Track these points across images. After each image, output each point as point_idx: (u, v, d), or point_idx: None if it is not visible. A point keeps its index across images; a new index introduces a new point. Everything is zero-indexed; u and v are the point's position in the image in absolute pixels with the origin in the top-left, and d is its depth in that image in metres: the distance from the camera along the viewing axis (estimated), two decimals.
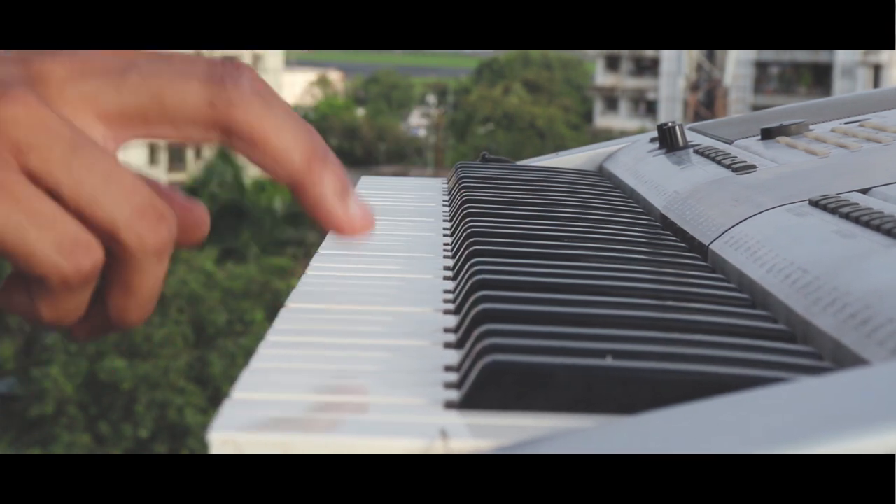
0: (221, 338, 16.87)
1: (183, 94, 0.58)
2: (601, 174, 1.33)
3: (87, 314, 0.59)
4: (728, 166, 1.04)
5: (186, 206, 0.61)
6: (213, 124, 0.58)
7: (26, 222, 0.53)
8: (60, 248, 0.54)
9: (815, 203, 0.83)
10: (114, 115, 0.58)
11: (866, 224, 0.74)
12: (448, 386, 0.56)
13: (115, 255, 0.56)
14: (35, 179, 0.54)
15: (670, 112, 36.32)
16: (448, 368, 0.59)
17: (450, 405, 0.53)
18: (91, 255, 0.55)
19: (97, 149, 0.56)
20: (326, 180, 0.60)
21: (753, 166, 1.02)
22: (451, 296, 0.75)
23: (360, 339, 0.63)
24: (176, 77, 0.58)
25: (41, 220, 0.54)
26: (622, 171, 1.26)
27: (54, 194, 0.55)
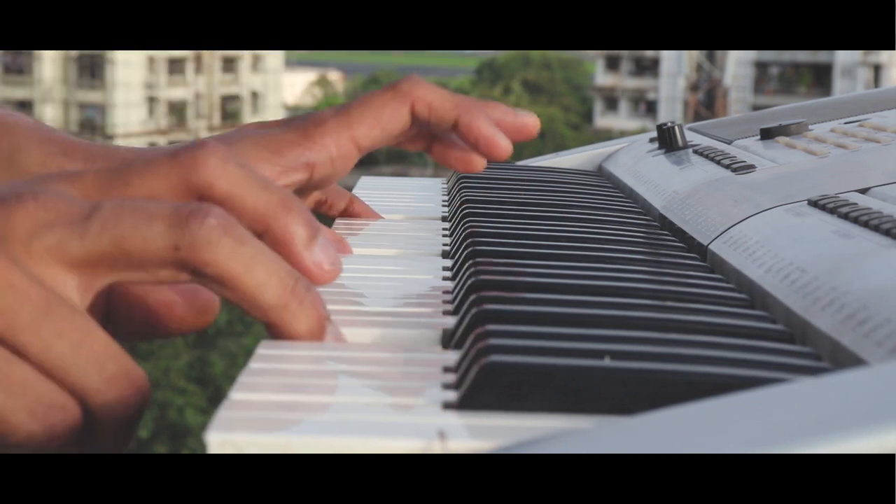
0: (222, 338, 16.87)
1: (145, 239, 0.56)
2: (601, 174, 1.33)
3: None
4: (727, 166, 1.04)
5: (191, 292, 0.60)
6: (180, 266, 0.57)
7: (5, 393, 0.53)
8: (33, 414, 0.54)
9: (814, 203, 0.83)
10: (81, 264, 0.56)
11: (865, 224, 0.74)
12: (446, 386, 0.56)
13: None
14: (2, 342, 0.53)
15: (670, 112, 36.32)
16: (446, 369, 0.59)
17: (448, 406, 0.53)
18: (66, 416, 0.54)
19: (68, 311, 0.55)
20: (301, 319, 0.59)
21: (752, 166, 1.02)
22: (449, 296, 0.75)
23: (359, 339, 0.63)
24: (139, 220, 0.56)
25: (12, 385, 0.53)
26: (621, 171, 1.26)
27: (22, 357, 0.54)
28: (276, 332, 0.60)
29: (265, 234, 0.60)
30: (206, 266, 0.56)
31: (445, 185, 1.26)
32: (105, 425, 0.55)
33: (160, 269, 0.57)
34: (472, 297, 0.67)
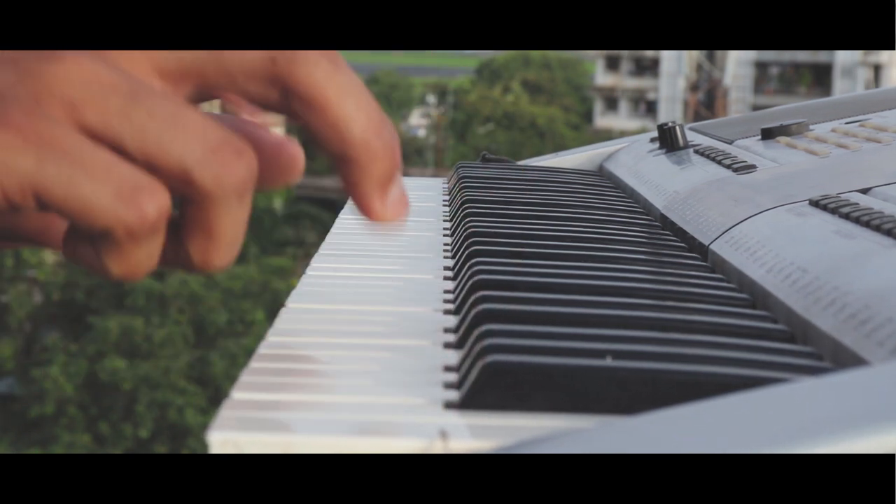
0: (222, 338, 16.88)
1: (242, 56, 0.55)
2: (601, 174, 1.33)
3: (165, 259, 0.55)
4: (728, 166, 1.04)
5: (277, 144, 0.57)
6: (273, 81, 0.55)
7: (79, 175, 0.50)
8: (120, 195, 0.50)
9: (815, 203, 0.83)
10: (172, 71, 0.55)
11: (866, 224, 0.74)
12: (448, 386, 0.56)
13: (193, 199, 0.53)
14: (96, 136, 0.51)
15: (670, 112, 36.32)
16: (448, 368, 0.59)
17: (449, 405, 0.53)
18: (155, 199, 0.51)
19: (157, 94, 0.52)
20: (377, 164, 0.57)
21: (753, 166, 1.02)
22: (451, 296, 0.75)
23: (359, 339, 0.63)
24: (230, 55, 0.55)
25: (94, 170, 0.50)
26: (622, 171, 1.26)
27: (119, 148, 0.51)
28: (346, 169, 0.57)
29: (345, 158, 0.57)
30: (298, 84, 0.55)
31: (446, 185, 1.26)
32: (216, 201, 0.53)
33: (251, 81, 0.55)
34: (472, 297, 0.67)
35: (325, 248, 0.89)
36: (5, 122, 0.50)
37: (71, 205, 0.50)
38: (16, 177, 0.50)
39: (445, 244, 0.93)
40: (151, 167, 0.51)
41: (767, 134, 1.14)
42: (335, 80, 0.55)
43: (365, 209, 0.58)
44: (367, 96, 0.56)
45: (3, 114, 0.51)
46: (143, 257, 0.53)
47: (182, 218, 0.54)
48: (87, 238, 0.53)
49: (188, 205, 0.53)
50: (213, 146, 0.52)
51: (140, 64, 0.54)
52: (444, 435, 0.48)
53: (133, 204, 0.51)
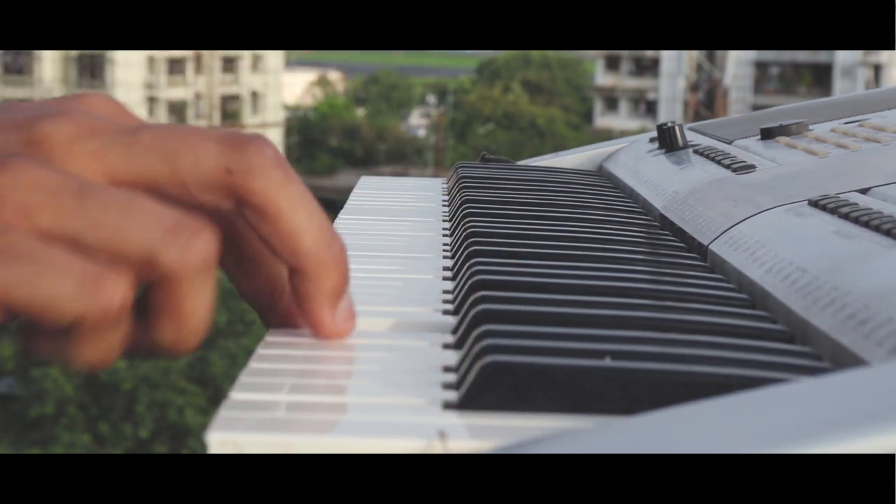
0: (222, 338, 16.87)
1: (198, 156, 0.55)
2: (601, 174, 1.33)
3: (132, 346, 0.56)
4: (727, 166, 1.04)
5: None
6: (228, 192, 0.56)
7: (39, 274, 0.50)
8: (83, 287, 0.51)
9: (814, 203, 0.83)
10: (123, 177, 0.55)
11: (865, 224, 0.74)
12: (447, 386, 0.56)
13: (158, 282, 0.53)
14: (54, 238, 0.52)
15: (670, 112, 36.33)
16: (447, 369, 0.59)
17: (448, 406, 0.53)
18: (119, 287, 0.51)
19: (107, 188, 0.53)
20: (326, 276, 0.58)
21: (753, 166, 1.02)
22: (450, 296, 0.75)
23: (359, 339, 0.63)
24: (194, 139, 0.55)
25: (54, 267, 0.51)
26: (622, 171, 1.26)
27: (79, 244, 0.52)
28: (296, 280, 0.58)
29: (295, 270, 0.58)
30: (253, 195, 0.55)
31: (445, 185, 1.26)
32: (182, 281, 0.53)
33: (205, 191, 0.55)
34: (472, 297, 0.67)
35: None
36: None
37: (35, 304, 0.51)
38: None
39: (445, 244, 0.93)
40: (114, 257, 0.52)
41: (767, 134, 1.14)
42: (287, 191, 0.56)
43: (314, 324, 0.59)
44: (318, 208, 0.57)
45: None
46: (108, 347, 0.53)
47: (148, 304, 0.54)
48: (50, 333, 0.53)
49: (153, 290, 0.54)
50: (170, 227, 0.53)
51: (91, 168, 0.54)
52: (443, 435, 0.48)
53: (96, 294, 0.51)
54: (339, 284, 0.58)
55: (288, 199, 0.56)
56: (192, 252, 0.53)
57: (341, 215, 1.03)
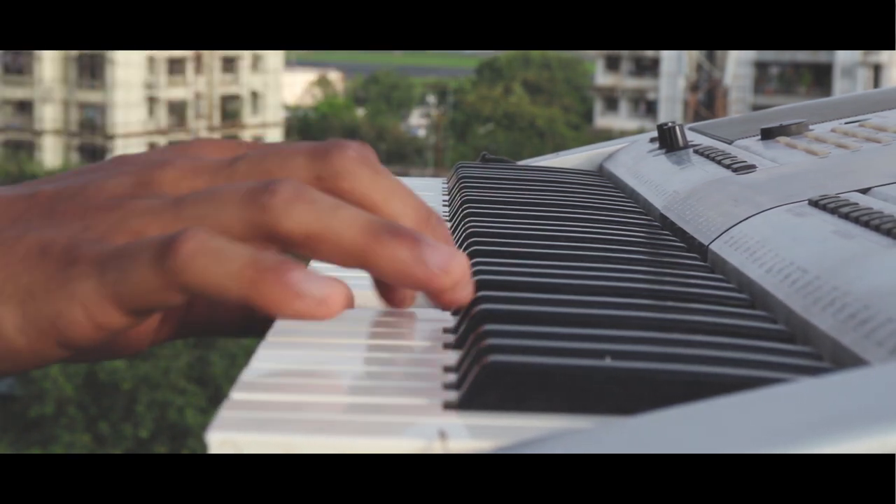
0: (222, 338, 16.86)
1: (290, 173, 0.59)
2: (601, 174, 1.33)
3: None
4: (728, 166, 1.04)
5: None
6: None
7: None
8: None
9: (814, 203, 0.83)
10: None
11: (866, 224, 0.74)
12: (447, 386, 0.56)
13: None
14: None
15: (670, 112, 36.33)
16: (447, 369, 0.59)
17: (449, 406, 0.53)
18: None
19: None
20: (436, 252, 0.61)
21: (753, 166, 1.02)
22: None
23: (359, 339, 0.63)
24: (282, 157, 0.60)
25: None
26: (622, 171, 1.26)
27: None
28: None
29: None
30: (347, 195, 0.60)
31: (446, 185, 1.26)
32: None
33: None
34: (472, 297, 0.67)
35: None
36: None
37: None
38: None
39: None
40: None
41: (767, 134, 1.14)
42: (377, 184, 0.62)
43: (429, 288, 0.63)
44: (409, 192, 0.63)
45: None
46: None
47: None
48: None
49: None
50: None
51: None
52: (443, 435, 0.48)
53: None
54: (444, 253, 0.62)
55: (380, 192, 0.61)
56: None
57: None
